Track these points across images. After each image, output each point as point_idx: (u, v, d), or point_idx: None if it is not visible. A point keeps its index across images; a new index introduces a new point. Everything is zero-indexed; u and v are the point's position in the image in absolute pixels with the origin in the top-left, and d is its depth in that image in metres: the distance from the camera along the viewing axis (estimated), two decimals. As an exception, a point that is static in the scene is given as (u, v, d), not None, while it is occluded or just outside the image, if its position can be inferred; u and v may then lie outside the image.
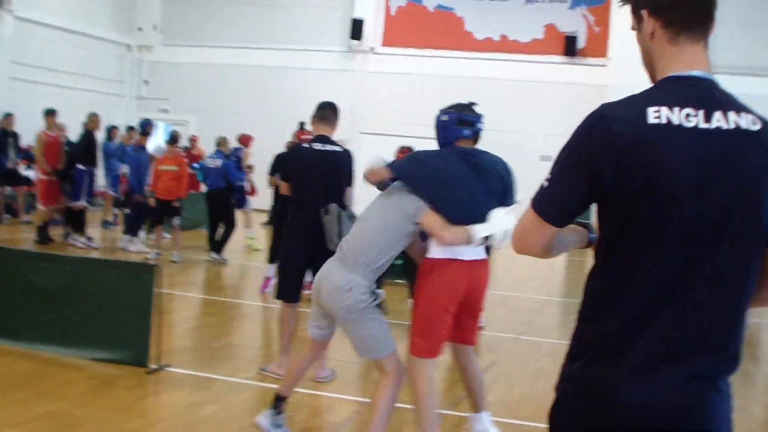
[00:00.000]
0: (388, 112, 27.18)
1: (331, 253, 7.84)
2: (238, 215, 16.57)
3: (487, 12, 27.68)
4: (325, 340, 6.29)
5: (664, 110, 2.52)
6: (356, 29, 27.70)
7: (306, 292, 8.28)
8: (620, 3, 2.85)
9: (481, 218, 5.55)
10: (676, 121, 2.52)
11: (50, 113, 16.47)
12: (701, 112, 2.54)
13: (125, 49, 29.95)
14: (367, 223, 5.78)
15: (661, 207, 2.50)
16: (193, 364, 8.42)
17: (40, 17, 25.39)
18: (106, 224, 19.63)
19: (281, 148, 13.59)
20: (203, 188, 16.59)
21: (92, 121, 16.74)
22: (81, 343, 8.00)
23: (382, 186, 5.96)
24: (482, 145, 6.12)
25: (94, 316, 8.01)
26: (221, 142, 16.29)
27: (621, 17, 24.04)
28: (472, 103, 6.13)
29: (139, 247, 16.22)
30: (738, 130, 2.54)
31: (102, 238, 17.80)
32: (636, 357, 2.53)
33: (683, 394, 2.52)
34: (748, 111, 2.60)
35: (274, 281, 12.08)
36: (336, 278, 5.70)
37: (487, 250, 5.88)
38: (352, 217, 7.90)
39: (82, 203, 16.34)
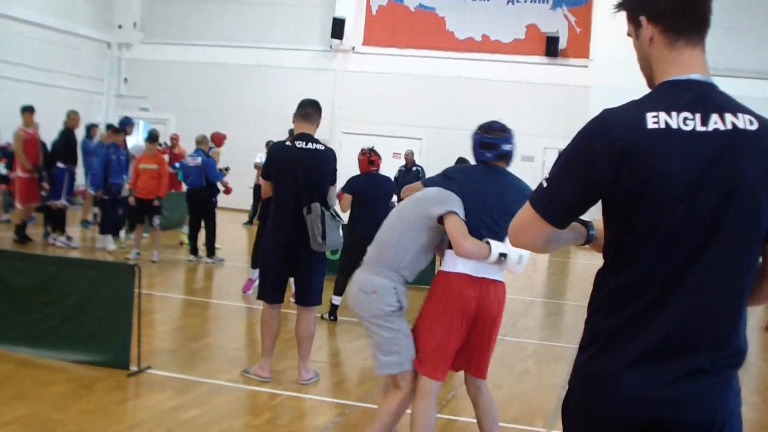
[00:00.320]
0: (368, 111, 27.06)
1: (312, 252, 7.77)
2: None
3: (469, 12, 27.60)
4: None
5: (663, 115, 2.58)
6: (337, 28, 27.55)
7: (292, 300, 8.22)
8: (615, 9, 2.88)
9: (482, 231, 5.45)
10: (674, 125, 2.58)
11: (28, 110, 16.25)
12: (698, 116, 2.59)
13: (105, 46, 29.71)
14: (388, 222, 5.68)
15: (653, 211, 2.57)
16: (175, 366, 8.28)
17: (20, 14, 25.12)
18: (85, 223, 19.42)
19: (262, 148, 13.46)
20: (184, 188, 16.39)
21: (72, 119, 16.57)
22: (59, 345, 7.85)
23: None
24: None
25: (73, 317, 7.86)
26: (201, 140, 16.11)
27: (602, 18, 24.26)
28: (495, 123, 5.93)
29: (113, 246, 16.04)
30: (735, 131, 2.59)
31: (82, 237, 17.61)
32: (638, 351, 2.60)
33: (684, 387, 2.58)
34: (745, 111, 2.65)
35: (256, 284, 11.98)
36: (361, 282, 5.58)
37: None
38: (335, 217, 7.79)
39: (62, 202, 16.15)
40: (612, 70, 23.45)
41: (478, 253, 5.32)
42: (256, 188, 19.15)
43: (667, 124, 2.57)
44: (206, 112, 27.37)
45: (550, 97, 26.06)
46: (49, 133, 17.14)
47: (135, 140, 19.41)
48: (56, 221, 16.23)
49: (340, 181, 8.91)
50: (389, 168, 22.38)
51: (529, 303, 14.31)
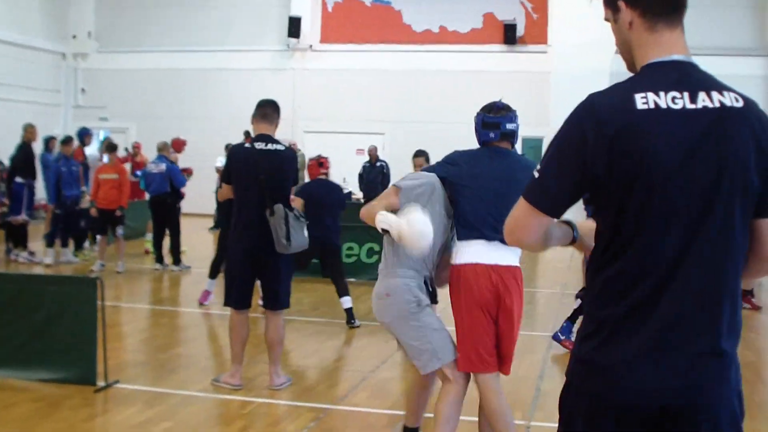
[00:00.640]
0: (329, 109, 26.88)
1: (278, 255, 7.61)
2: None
3: (425, 4, 27.46)
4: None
5: (651, 95, 2.60)
6: (294, 27, 27.33)
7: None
8: None
9: (489, 218, 5.31)
10: (663, 105, 2.59)
11: (-17, 126, 16.01)
12: (686, 94, 2.62)
13: (60, 57, 29.31)
14: None
15: (648, 192, 2.57)
16: (144, 379, 8.12)
17: (-29, 28, 24.78)
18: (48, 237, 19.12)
19: (223, 151, 13.28)
20: (147, 196, 16.14)
21: (29, 132, 16.34)
22: (23, 364, 7.65)
23: None
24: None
25: (37, 335, 7.66)
26: (162, 147, 15.89)
27: (559, 3, 24.26)
28: (497, 102, 5.76)
29: (68, 258, 15.90)
30: (723, 108, 2.62)
31: (44, 252, 17.35)
32: (645, 337, 2.60)
33: (694, 372, 2.60)
34: (729, 90, 2.69)
35: (213, 297, 11.83)
36: (375, 291, 5.55)
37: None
38: (299, 218, 7.65)
39: (22, 217, 15.92)
40: (570, 55, 23.52)
41: (366, 215, 5.40)
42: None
43: (656, 104, 2.59)
44: (167, 118, 27.05)
45: (511, 84, 25.90)
46: (6, 147, 16.87)
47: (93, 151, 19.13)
48: (18, 237, 15.99)
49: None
50: (353, 164, 22.34)
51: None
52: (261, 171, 7.49)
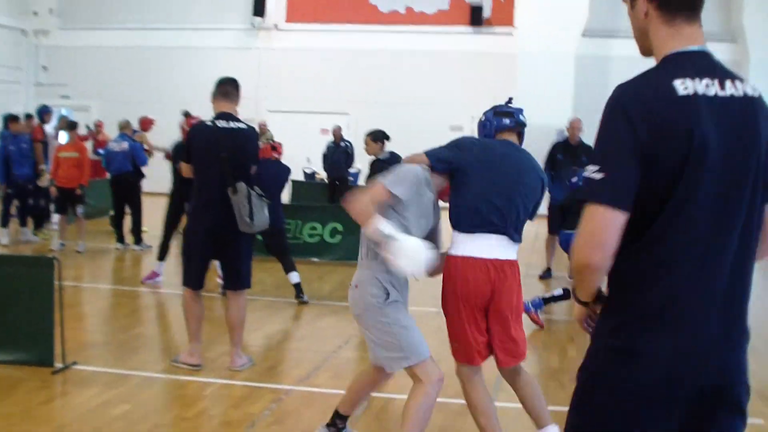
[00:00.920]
0: (294, 89, 26.71)
1: (240, 234, 7.51)
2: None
3: (392, -16, 27.41)
4: None
5: (689, 82, 2.64)
6: (258, 5, 27.15)
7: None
8: None
9: (499, 209, 5.23)
10: (700, 91, 2.64)
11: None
12: (716, 81, 2.68)
13: (20, 34, 28.92)
14: None
15: (693, 178, 2.60)
16: (103, 360, 8.00)
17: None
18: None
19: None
20: (109, 176, 15.91)
21: (-14, 109, 16.06)
22: (-21, 346, 7.51)
23: None
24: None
25: (-7, 316, 7.51)
26: (124, 125, 15.70)
27: (525, -15, 24.17)
28: (509, 100, 5.80)
29: (28, 237, 15.76)
30: (746, 97, 2.71)
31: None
32: (683, 323, 2.66)
33: (729, 353, 2.72)
34: (743, 80, 2.78)
35: (161, 278, 11.72)
36: (353, 277, 5.38)
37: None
38: (262, 196, 7.55)
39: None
40: (537, 37, 23.48)
41: (358, 213, 5.03)
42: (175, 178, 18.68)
43: (695, 90, 2.63)
44: (129, 97, 26.74)
45: (477, 66, 25.96)
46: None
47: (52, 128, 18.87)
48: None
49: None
50: (318, 144, 22.18)
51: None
52: (223, 149, 7.37)
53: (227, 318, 7.80)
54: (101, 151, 18.31)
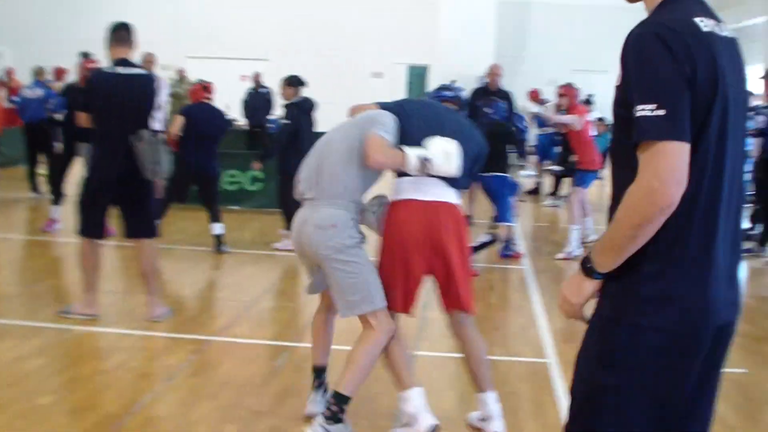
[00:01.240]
0: (213, 34, 26.29)
1: (144, 182, 7.37)
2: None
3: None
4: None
5: (706, 20, 2.68)
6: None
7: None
8: None
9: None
10: (712, 29, 2.68)
11: None
12: (714, 22, 2.71)
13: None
14: (327, 148, 5.24)
15: (722, 113, 2.64)
16: (16, 313, 7.81)
17: None
18: None
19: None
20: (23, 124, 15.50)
21: None
22: None
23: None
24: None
25: None
26: (39, 72, 15.30)
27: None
28: (453, 82, 6.30)
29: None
30: (733, 38, 2.80)
31: None
32: (717, 263, 2.70)
33: (735, 289, 2.81)
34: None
35: (59, 225, 11.53)
36: (316, 217, 5.10)
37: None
38: (165, 142, 7.43)
39: None
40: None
41: (390, 161, 5.00)
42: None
43: (711, 27, 2.67)
44: (44, 43, 26.05)
45: (400, 11, 25.85)
46: None
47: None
48: None
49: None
50: (237, 90, 21.89)
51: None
52: (125, 96, 7.24)
53: (140, 268, 7.66)
54: (15, 98, 17.85)
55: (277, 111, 20.11)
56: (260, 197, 14.04)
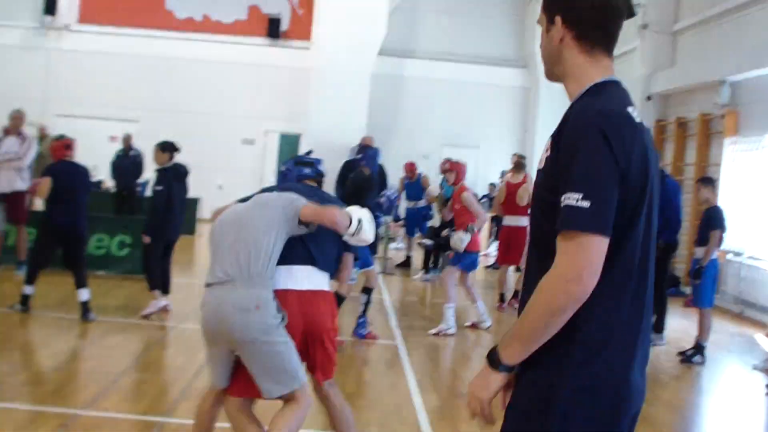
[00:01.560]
0: (84, 92, 25.71)
1: None
2: None
3: (189, -9, 26.97)
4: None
5: (634, 111, 2.72)
6: (49, 4, 26.06)
7: None
8: None
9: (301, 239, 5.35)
10: (639, 119, 2.73)
11: None
12: (635, 110, 2.75)
13: None
14: (242, 227, 5.16)
15: (650, 202, 2.71)
16: None
17: None
18: None
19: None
20: None
21: None
22: None
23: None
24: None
25: None
26: None
27: (325, 1, 24.23)
28: (309, 152, 6.16)
29: None
30: (647, 128, 2.83)
31: None
32: (639, 350, 2.73)
33: (644, 377, 2.79)
34: None
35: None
36: (236, 299, 4.98)
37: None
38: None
39: None
40: (334, 53, 23.53)
41: (343, 221, 5.15)
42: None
43: (638, 117, 2.72)
44: None
45: (273, 79, 25.90)
46: None
47: None
48: None
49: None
50: (106, 152, 21.43)
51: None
52: None
53: None
54: None
55: (147, 174, 19.86)
56: (127, 263, 13.75)
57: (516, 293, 13.58)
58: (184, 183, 11.17)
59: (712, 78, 17.05)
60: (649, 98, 19.51)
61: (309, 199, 5.35)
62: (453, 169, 11.64)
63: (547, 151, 2.76)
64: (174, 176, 10.93)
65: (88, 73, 25.85)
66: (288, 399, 5.12)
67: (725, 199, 12.89)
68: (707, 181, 11.21)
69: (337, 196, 11.23)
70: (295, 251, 5.28)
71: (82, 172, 10.83)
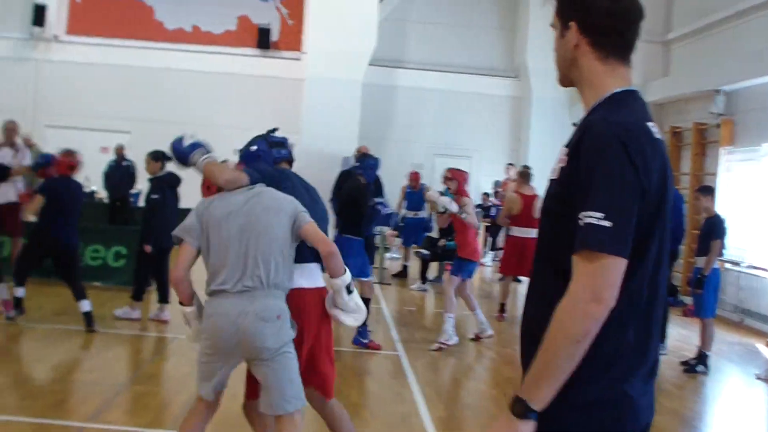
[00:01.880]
0: (74, 103, 25.58)
1: None
2: None
3: (178, 2, 26.83)
4: (224, 389, 5.20)
5: (654, 127, 2.64)
6: (38, 15, 25.93)
7: None
8: None
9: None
10: (658, 134, 2.65)
11: None
12: (655, 125, 2.67)
13: None
14: (259, 240, 4.98)
15: (665, 220, 2.64)
16: None
17: None
18: None
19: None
20: None
21: None
22: None
23: None
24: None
25: None
26: None
27: (315, 11, 24.24)
28: (274, 129, 5.84)
29: None
30: (663, 140, 2.73)
31: None
32: (648, 362, 2.66)
33: (653, 392, 2.73)
34: None
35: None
36: (258, 309, 4.85)
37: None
38: None
39: None
40: (324, 62, 23.48)
41: (340, 264, 5.03)
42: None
43: (657, 133, 2.64)
44: None
45: (263, 89, 25.80)
46: None
47: None
48: None
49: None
50: (97, 163, 21.33)
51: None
52: None
53: None
54: None
55: (140, 185, 19.76)
56: (123, 273, 13.61)
57: (502, 306, 13.60)
58: (176, 192, 11.18)
59: (706, 87, 17.03)
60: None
61: (301, 198, 5.32)
62: (454, 177, 11.45)
63: (561, 161, 2.68)
64: (167, 185, 10.94)
65: (78, 84, 25.73)
66: (283, 423, 4.97)
67: (722, 208, 12.88)
68: (706, 190, 11.17)
69: (333, 207, 11.14)
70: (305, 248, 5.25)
71: (75, 187, 10.75)
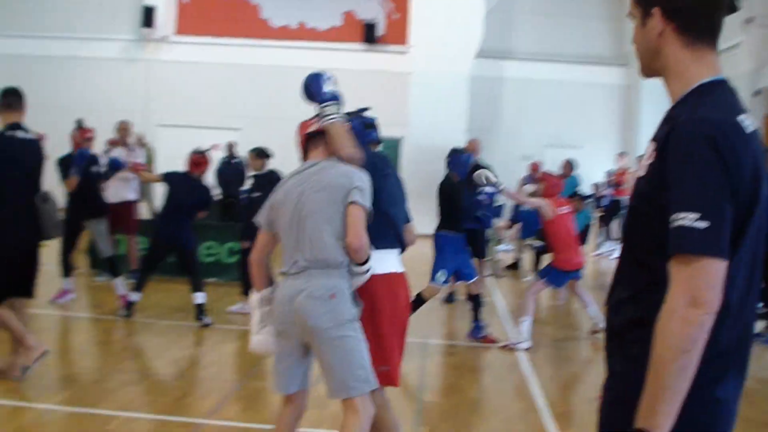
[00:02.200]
0: (184, 102, 26.04)
1: (39, 242, 7.45)
2: None
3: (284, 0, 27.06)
4: (305, 388, 5.07)
5: (745, 118, 2.50)
6: (147, 16, 26.45)
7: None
8: None
9: (397, 219, 5.27)
10: (751, 128, 2.52)
11: None
12: (748, 117, 2.53)
13: None
14: (314, 217, 4.81)
15: (759, 218, 2.50)
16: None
17: None
18: None
19: (67, 145, 12.56)
20: None
21: None
22: None
23: None
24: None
25: None
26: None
27: (420, 4, 24.15)
28: (365, 109, 5.62)
29: None
30: (757, 131, 2.58)
31: None
32: (734, 367, 2.56)
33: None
34: None
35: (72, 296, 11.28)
36: (312, 288, 4.72)
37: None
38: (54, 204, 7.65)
39: None
40: (430, 55, 23.41)
41: (367, 250, 4.79)
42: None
43: (750, 126, 2.51)
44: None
45: (370, 84, 25.73)
46: None
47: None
48: None
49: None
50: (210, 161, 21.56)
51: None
52: (27, 159, 7.44)
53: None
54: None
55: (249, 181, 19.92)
56: (237, 269, 13.67)
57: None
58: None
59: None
60: (757, 93, 18.94)
61: (396, 187, 5.36)
62: (543, 180, 10.90)
63: (649, 157, 2.54)
64: (268, 182, 10.96)
65: (187, 83, 26.15)
66: (347, 408, 4.77)
67: None
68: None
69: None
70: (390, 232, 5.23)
71: (199, 189, 10.86)
